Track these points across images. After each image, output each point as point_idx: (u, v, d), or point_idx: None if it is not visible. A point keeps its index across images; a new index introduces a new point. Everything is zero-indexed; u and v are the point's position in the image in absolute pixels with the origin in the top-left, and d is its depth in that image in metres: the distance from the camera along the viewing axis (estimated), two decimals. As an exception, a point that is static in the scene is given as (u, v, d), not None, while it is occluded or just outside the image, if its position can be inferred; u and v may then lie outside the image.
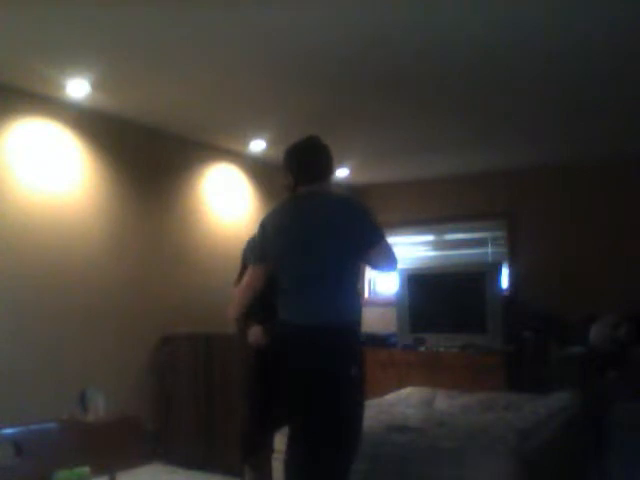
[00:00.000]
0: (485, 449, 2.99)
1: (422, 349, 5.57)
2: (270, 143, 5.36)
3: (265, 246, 2.68)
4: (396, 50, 3.51)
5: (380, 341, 5.69)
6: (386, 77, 3.93)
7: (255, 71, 3.80)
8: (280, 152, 5.64)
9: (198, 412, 4.44)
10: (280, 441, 3.37)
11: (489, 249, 6.76)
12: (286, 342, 2.53)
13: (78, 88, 3.94)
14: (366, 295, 7.12)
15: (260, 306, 2.95)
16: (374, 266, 2.68)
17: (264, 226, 2.73)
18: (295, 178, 2.77)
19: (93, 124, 4.42)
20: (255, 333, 3.50)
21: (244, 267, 3.13)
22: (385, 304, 6.47)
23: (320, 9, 3.02)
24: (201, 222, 5.27)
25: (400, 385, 4.57)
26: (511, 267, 6.42)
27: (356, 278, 2.61)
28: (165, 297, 4.83)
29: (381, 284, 7.16)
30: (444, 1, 2.98)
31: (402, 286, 5.68)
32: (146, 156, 4.86)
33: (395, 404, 3.92)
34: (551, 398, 4.03)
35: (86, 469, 3.28)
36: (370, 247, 2.57)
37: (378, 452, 3.01)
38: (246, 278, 2.77)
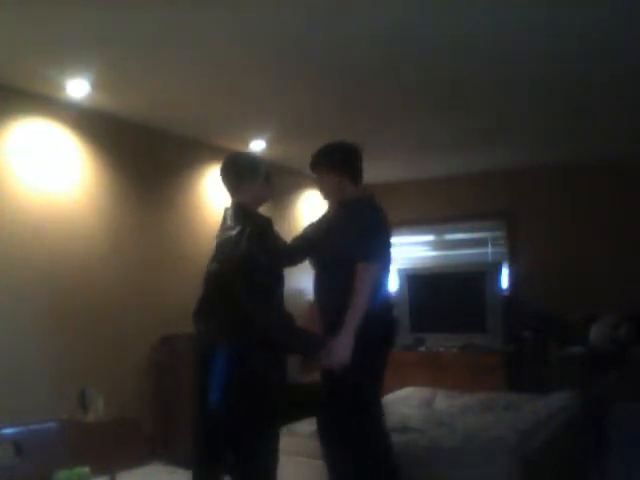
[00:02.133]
0: (485, 449, 3.00)
1: (422, 349, 5.57)
2: (270, 143, 5.36)
3: (380, 242, 2.86)
4: (396, 51, 3.51)
5: (380, 341, 5.69)
6: (386, 78, 3.93)
7: (255, 71, 3.80)
8: (280, 152, 5.74)
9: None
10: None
11: (489, 249, 6.76)
12: (391, 327, 3.00)
13: (78, 88, 3.93)
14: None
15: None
16: None
17: (377, 221, 2.89)
18: (351, 178, 2.96)
19: (93, 124, 4.42)
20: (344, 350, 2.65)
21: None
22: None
23: (319, 10, 3.02)
24: (201, 222, 5.26)
25: (400, 385, 4.57)
26: (511, 267, 6.42)
27: None
28: (165, 297, 4.82)
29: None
30: (444, 3, 2.98)
31: (402, 286, 5.68)
32: (146, 156, 4.86)
33: (395, 404, 3.92)
34: (551, 398, 4.03)
35: (86, 469, 3.28)
36: None
37: (378, 452, 3.01)
38: (372, 278, 2.72)
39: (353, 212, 2.85)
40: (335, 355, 2.62)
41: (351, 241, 2.76)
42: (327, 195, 3.07)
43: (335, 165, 2.93)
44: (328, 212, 3.14)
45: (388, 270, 2.94)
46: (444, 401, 4.14)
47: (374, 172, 6.49)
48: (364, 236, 2.76)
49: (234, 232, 2.67)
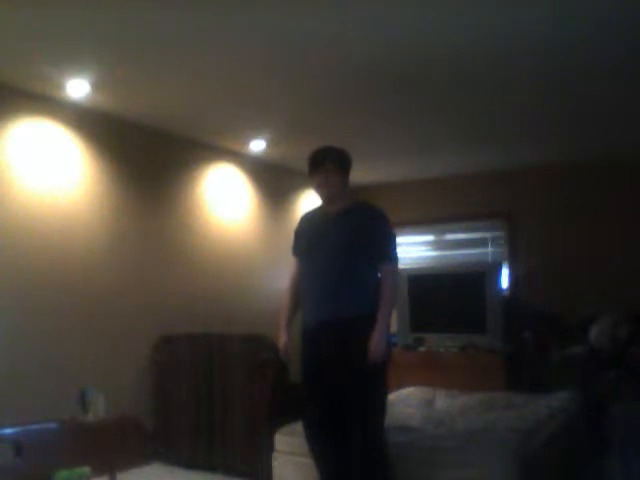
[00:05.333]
0: (485, 449, 3.00)
1: (422, 349, 5.57)
2: (270, 143, 5.36)
3: None
4: (397, 51, 3.51)
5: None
6: (386, 78, 3.93)
7: (255, 71, 3.80)
8: (280, 152, 5.76)
9: (198, 412, 4.44)
10: (280, 441, 3.37)
11: (489, 249, 6.76)
12: None
13: (78, 88, 3.93)
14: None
15: None
16: None
17: None
18: (347, 182, 3.17)
19: (93, 124, 4.42)
20: None
21: None
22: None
23: (319, 10, 3.02)
24: (201, 222, 5.27)
25: (400, 385, 4.57)
26: (511, 267, 6.42)
27: None
28: (165, 297, 4.83)
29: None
30: (445, 3, 2.98)
31: (402, 286, 5.68)
32: (146, 156, 4.86)
33: (395, 404, 3.92)
34: (551, 398, 4.03)
35: (86, 469, 3.29)
36: None
37: (378, 452, 3.00)
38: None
39: (382, 215, 3.09)
40: (377, 351, 2.84)
41: (386, 244, 3.03)
42: (331, 192, 3.09)
43: (344, 166, 3.12)
44: (328, 208, 3.16)
45: None
46: (444, 401, 4.13)
47: (374, 172, 6.55)
48: (395, 240, 3.10)
49: None
